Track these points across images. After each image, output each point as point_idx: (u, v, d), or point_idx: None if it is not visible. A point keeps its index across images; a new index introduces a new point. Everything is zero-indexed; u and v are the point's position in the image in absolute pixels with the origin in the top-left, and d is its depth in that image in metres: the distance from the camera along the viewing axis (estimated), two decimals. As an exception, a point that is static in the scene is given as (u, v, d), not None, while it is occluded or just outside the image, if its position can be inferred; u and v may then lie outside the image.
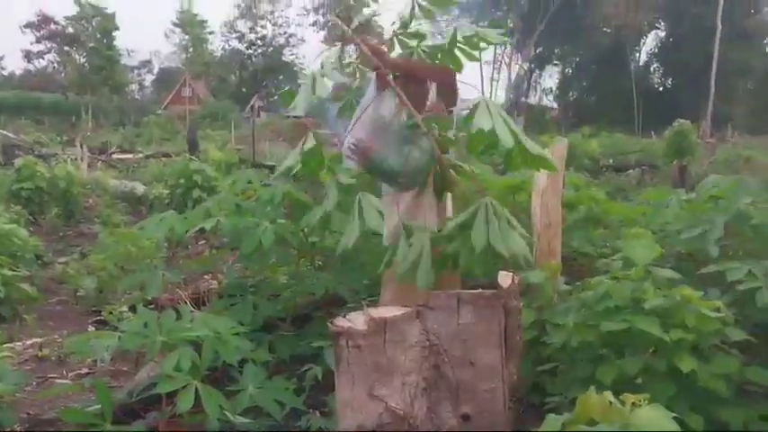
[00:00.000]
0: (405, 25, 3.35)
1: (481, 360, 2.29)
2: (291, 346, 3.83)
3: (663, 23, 53.77)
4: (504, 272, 2.44)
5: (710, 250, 3.45)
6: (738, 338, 2.55)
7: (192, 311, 3.31)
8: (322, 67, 3.18)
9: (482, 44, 3.13)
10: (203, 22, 61.97)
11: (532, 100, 59.26)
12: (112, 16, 56.87)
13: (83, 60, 58.07)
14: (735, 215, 3.57)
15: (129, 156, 24.22)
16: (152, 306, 5.12)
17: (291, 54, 62.86)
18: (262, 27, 62.22)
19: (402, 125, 3.17)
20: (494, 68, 58.49)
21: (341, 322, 2.27)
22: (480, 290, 2.37)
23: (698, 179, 12.29)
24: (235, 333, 3.00)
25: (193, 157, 11.60)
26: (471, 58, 3.05)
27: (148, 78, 70.86)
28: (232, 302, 4.04)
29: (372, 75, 3.36)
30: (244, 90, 59.29)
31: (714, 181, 4.22)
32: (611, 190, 11.70)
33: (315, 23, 60.96)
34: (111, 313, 4.90)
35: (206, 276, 6.04)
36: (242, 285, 4.08)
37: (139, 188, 13.38)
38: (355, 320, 2.28)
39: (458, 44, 3.06)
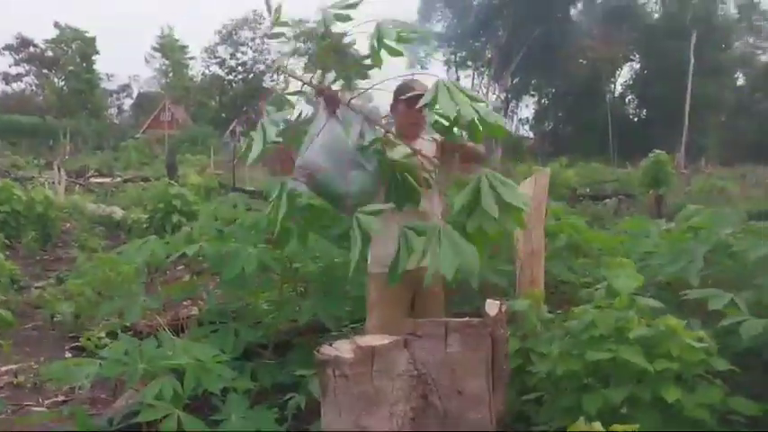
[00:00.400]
0: (323, 38, 3.32)
1: (469, 389, 2.28)
2: (273, 374, 3.79)
3: (637, 56, 54.85)
4: (492, 300, 2.45)
5: (691, 280, 3.49)
6: (723, 368, 2.57)
7: (171, 338, 3.26)
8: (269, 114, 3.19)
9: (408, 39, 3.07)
10: (184, 47, 62.13)
11: (509, 129, 59.89)
12: (92, 40, 56.88)
13: (62, 84, 57.82)
14: (715, 246, 3.63)
15: (108, 180, 24.07)
16: (131, 332, 5.05)
17: (272, 80, 63.04)
18: (242, 53, 62.44)
19: (350, 149, 3.13)
20: (472, 98, 59.06)
21: (327, 350, 2.25)
22: (467, 318, 2.37)
23: (674, 209, 12.48)
24: (217, 361, 2.95)
25: (172, 182, 11.52)
26: (395, 53, 3.02)
27: (127, 103, 70.92)
28: (213, 329, 3.99)
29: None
30: (224, 115, 59.27)
31: (693, 211, 4.30)
32: (589, 218, 11.81)
33: (295, 51, 61.24)
34: (88, 339, 4.82)
35: (185, 302, 5.97)
36: (223, 312, 4.03)
37: (118, 212, 13.27)
38: (342, 349, 2.26)
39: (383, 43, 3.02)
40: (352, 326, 4.24)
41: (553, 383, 2.87)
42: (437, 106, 2.65)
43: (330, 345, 2.34)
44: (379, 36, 2.90)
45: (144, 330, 5.08)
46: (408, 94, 3.44)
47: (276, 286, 4.17)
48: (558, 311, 4.34)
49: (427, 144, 3.52)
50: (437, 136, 3.52)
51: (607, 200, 15.85)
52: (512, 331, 3.39)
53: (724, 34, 51.07)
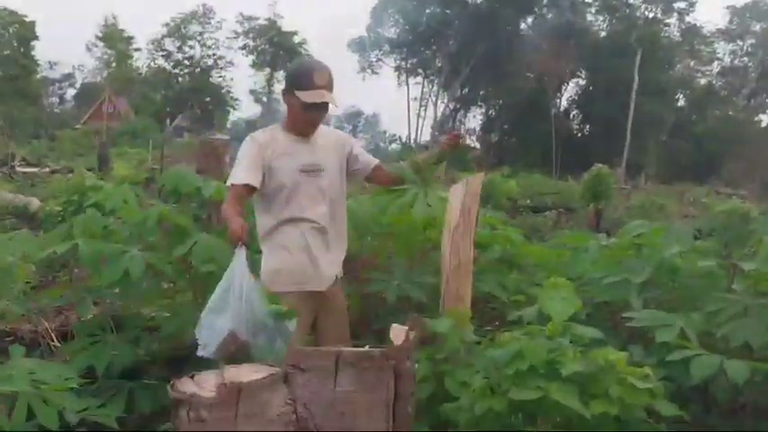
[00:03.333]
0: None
1: (362, 437, 1.82)
2: (157, 396, 3.24)
3: (583, 73, 55.75)
4: (398, 326, 2.00)
5: (633, 302, 3.13)
6: (669, 414, 2.18)
7: (22, 354, 2.70)
8: None
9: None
10: (129, 38, 60.26)
11: (457, 138, 60.17)
12: (32, 24, 54.70)
13: (-4, 68, 55.37)
14: (659, 264, 3.28)
15: (35, 169, 22.92)
16: (10, 338, 4.46)
17: (219, 76, 61.70)
18: (190, 47, 60.86)
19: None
20: (421, 105, 59.27)
21: (184, 386, 1.77)
22: (367, 347, 1.92)
23: (612, 224, 12.38)
24: (66, 387, 2.41)
25: (89, 173, 10.76)
26: None
27: (70, 93, 68.68)
28: (92, 341, 3.42)
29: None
30: (168, 109, 57.75)
31: (637, 226, 3.94)
32: (528, 230, 11.58)
33: (245, 47, 60.12)
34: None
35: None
36: (102, 322, 3.46)
37: (34, 204, 12.42)
38: (204, 383, 1.79)
39: None
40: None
41: (471, 422, 2.42)
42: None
43: (191, 377, 1.86)
44: None
45: (27, 337, 4.52)
46: (311, 100, 2.97)
47: (169, 293, 3.63)
48: (489, 328, 3.96)
49: (325, 135, 3.16)
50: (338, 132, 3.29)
51: (547, 212, 15.69)
52: (431, 354, 2.97)
53: (667, 56, 52.35)
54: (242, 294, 2.49)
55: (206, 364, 3.72)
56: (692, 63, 59.13)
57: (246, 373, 1.79)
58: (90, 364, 3.06)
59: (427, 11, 55.48)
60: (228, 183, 2.95)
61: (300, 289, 2.98)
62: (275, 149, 2.96)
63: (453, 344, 2.97)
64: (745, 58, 58.51)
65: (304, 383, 1.80)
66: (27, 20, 54.53)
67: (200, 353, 2.50)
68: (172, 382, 1.80)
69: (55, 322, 4.71)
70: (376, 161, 3.36)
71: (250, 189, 2.92)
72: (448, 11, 54.42)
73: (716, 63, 60.03)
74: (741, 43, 58.46)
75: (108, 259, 3.21)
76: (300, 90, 2.94)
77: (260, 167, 2.92)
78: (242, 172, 2.91)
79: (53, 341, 4.38)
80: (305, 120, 3.03)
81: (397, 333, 1.95)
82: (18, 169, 22.61)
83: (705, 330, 2.79)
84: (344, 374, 1.81)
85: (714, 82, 59.06)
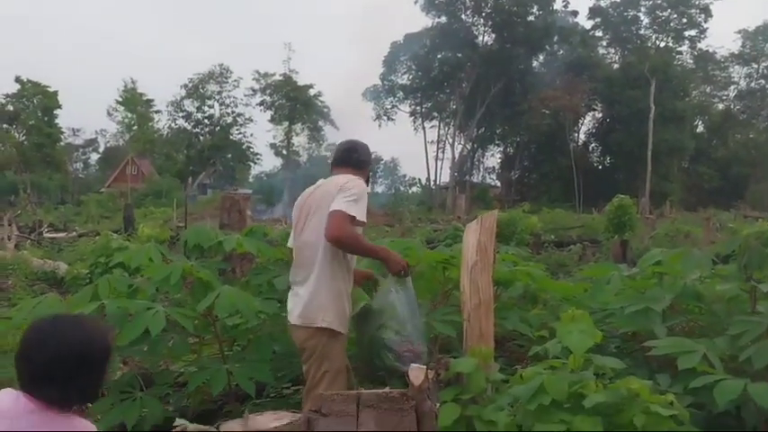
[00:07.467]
0: None
1: (386, 480, 1.83)
2: (186, 451, 3.26)
3: (599, 105, 55.82)
4: (417, 365, 2.02)
5: (657, 331, 3.10)
6: (696, 441, 2.16)
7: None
8: None
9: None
10: (149, 101, 61.75)
11: (476, 178, 60.35)
12: (54, 94, 56.35)
13: (22, 138, 56.91)
14: (682, 292, 3.27)
15: (62, 234, 23.34)
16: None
17: (239, 133, 62.75)
18: (209, 107, 62.09)
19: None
20: (438, 148, 59.63)
21: (210, 435, 1.80)
22: (387, 389, 1.94)
23: (639, 254, 12.24)
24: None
25: (115, 235, 10.95)
26: None
27: (94, 157, 70.49)
28: (123, 398, 3.46)
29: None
30: (191, 168, 58.76)
31: (656, 254, 3.93)
32: (553, 265, 11.51)
33: (262, 103, 61.18)
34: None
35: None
36: (131, 380, 3.50)
37: (62, 268, 12.65)
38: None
39: None
40: (289, 388, 3.79)
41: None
42: None
43: (217, 427, 1.89)
44: None
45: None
46: None
47: (194, 349, 3.67)
48: (515, 366, 3.93)
49: None
50: None
51: (572, 246, 15.56)
52: (457, 394, 2.96)
53: (682, 83, 52.35)
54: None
55: (234, 415, 3.77)
56: (707, 89, 59.02)
57: (269, 421, 1.82)
58: (120, 421, 3.09)
59: (438, 56, 56.25)
60: (353, 214, 3.06)
61: None
62: None
63: (478, 383, 2.96)
64: (762, 81, 58.24)
65: (326, 427, 1.82)
66: (50, 90, 56.23)
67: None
68: (198, 433, 1.83)
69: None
70: None
71: None
72: (459, 54, 55.11)
73: (732, 87, 59.82)
74: (756, 66, 58.26)
75: (132, 317, 3.28)
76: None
77: None
78: (364, 212, 3.14)
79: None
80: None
81: (417, 374, 1.97)
82: (46, 235, 23.04)
83: (731, 354, 2.76)
84: (366, 417, 1.83)
85: (732, 106, 58.75)
